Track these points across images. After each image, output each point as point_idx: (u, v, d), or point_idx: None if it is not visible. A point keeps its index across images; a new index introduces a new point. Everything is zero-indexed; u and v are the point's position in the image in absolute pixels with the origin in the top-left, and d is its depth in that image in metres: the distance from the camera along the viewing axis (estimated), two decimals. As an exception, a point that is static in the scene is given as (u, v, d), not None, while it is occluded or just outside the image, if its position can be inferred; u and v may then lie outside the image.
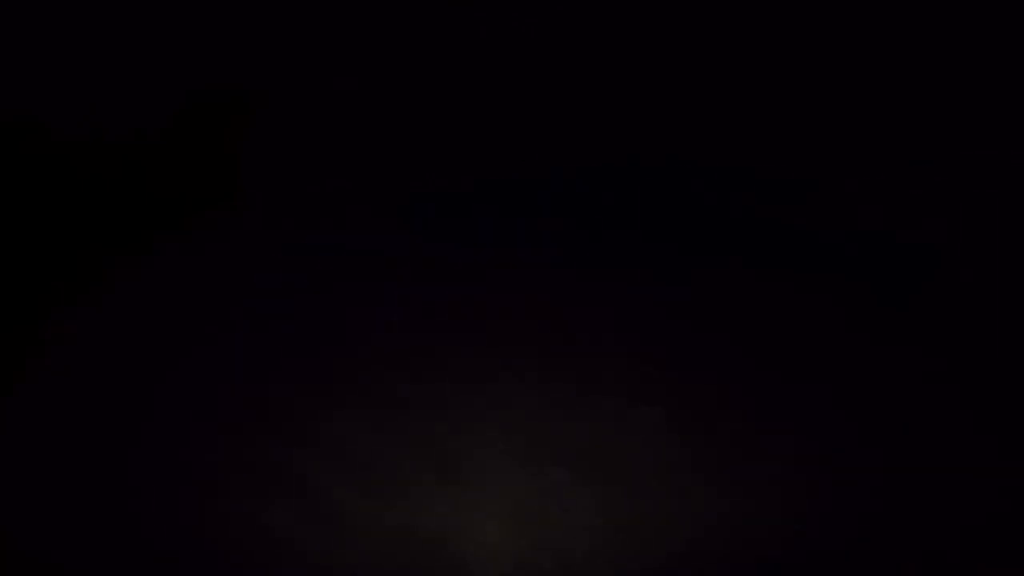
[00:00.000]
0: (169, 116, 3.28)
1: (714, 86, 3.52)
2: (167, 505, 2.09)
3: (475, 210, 3.37)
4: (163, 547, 1.99)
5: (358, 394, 2.51)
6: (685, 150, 3.37)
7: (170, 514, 2.06)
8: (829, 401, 2.53)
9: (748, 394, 2.55)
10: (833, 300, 2.86)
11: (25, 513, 2.03)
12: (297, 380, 2.53)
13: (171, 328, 2.67)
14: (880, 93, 3.46)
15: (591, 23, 3.56)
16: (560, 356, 2.72)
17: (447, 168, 3.51)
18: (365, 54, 3.48)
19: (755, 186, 3.28)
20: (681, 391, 2.57)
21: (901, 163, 3.30)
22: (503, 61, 3.56)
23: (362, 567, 2.00)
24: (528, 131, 3.49)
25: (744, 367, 2.63)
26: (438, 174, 3.52)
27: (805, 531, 2.13)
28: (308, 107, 3.47)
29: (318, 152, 3.50)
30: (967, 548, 2.06)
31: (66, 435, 2.24)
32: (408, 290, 3.02)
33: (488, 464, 2.32)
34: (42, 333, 2.58)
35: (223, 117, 3.31)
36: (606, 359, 2.80)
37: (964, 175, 3.23)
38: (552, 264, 3.01)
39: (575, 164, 3.44)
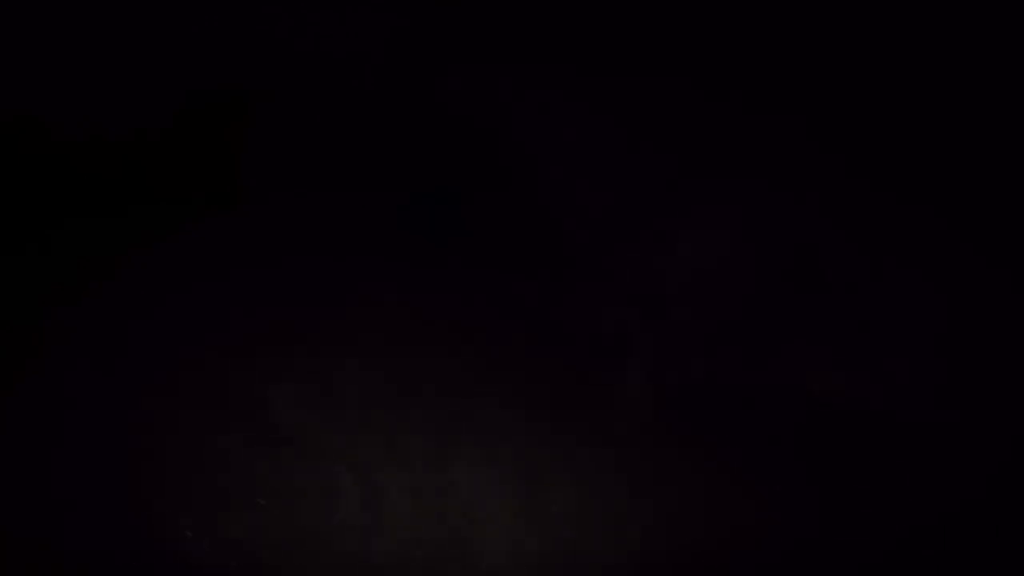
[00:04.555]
0: (169, 116, 3.28)
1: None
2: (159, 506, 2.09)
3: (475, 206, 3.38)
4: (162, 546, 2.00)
5: (354, 393, 2.51)
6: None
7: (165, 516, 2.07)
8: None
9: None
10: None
11: (22, 506, 2.03)
12: (295, 380, 2.53)
13: (169, 328, 2.67)
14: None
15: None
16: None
17: (445, 167, 3.51)
18: (364, 53, 3.49)
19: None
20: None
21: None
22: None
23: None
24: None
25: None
26: (437, 173, 3.52)
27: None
28: (308, 107, 3.47)
29: (317, 152, 3.50)
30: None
31: (64, 433, 2.24)
32: (406, 288, 3.03)
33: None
34: (42, 333, 2.58)
35: (223, 117, 3.31)
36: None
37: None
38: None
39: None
